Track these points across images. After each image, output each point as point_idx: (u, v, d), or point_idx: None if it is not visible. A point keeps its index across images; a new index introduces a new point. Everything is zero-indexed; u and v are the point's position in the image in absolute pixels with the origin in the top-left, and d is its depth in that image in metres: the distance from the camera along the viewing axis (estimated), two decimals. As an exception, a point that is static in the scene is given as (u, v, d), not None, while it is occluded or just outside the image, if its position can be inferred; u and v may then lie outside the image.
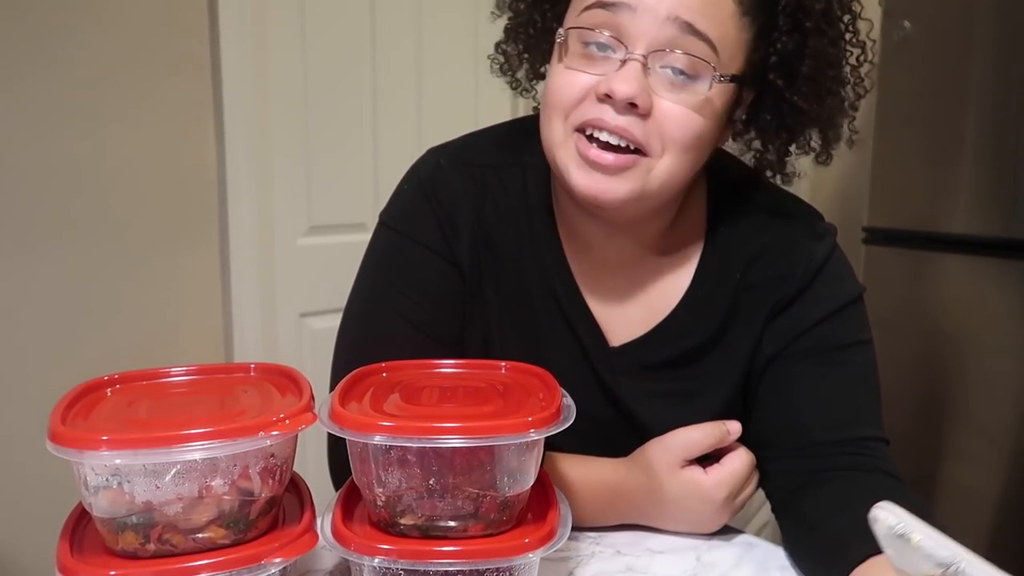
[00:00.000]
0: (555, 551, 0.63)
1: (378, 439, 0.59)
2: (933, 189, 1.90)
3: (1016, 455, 1.81)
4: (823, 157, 0.81)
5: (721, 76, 0.72)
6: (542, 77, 0.85)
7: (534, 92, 0.89)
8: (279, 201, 1.78)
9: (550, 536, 0.63)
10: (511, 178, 0.86)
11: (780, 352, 0.82)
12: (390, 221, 0.87)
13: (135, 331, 1.60)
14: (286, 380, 0.69)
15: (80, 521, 0.63)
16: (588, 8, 0.73)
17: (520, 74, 0.87)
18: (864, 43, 0.79)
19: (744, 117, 0.81)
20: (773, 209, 0.85)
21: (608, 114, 0.71)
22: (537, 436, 0.61)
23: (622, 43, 0.71)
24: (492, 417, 0.63)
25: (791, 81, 0.76)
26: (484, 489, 0.63)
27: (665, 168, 0.73)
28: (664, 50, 0.71)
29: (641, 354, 0.85)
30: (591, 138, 0.73)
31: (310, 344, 1.85)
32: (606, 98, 0.71)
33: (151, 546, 0.58)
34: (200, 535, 0.59)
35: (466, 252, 0.84)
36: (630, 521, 0.83)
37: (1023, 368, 1.79)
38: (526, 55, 0.84)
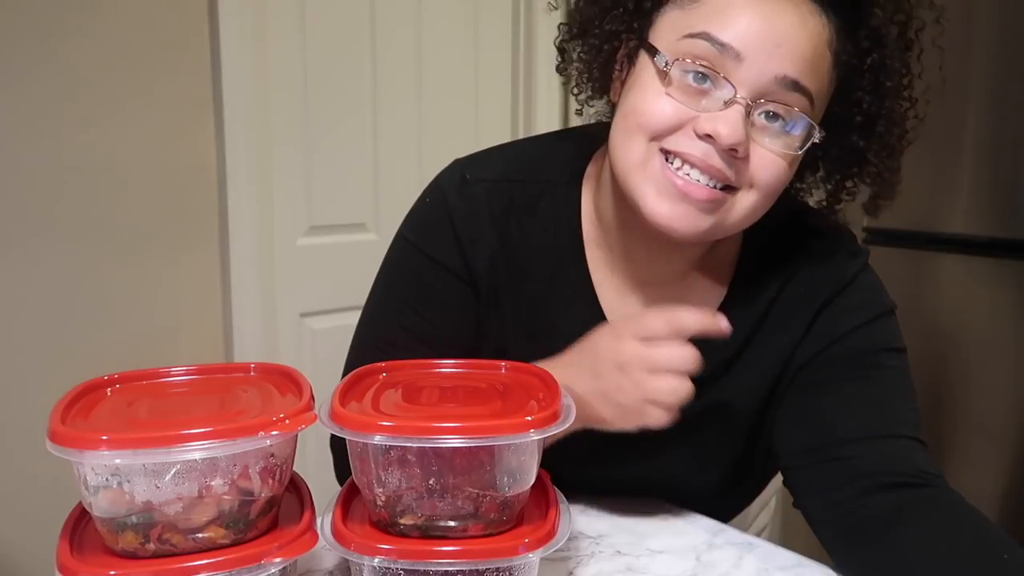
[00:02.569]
0: (555, 551, 0.63)
1: (378, 439, 0.59)
2: (933, 189, 1.90)
3: (1016, 455, 1.81)
4: (871, 208, 0.81)
5: (819, 136, 0.72)
6: (601, 93, 0.82)
7: (589, 101, 0.84)
8: (279, 201, 1.79)
9: (550, 536, 0.63)
10: (537, 195, 0.85)
11: (809, 361, 0.82)
12: (409, 234, 0.86)
13: (135, 331, 1.60)
14: (286, 380, 0.68)
15: (80, 521, 0.63)
16: (692, 36, 0.71)
17: (585, 85, 0.82)
18: (916, 99, 0.79)
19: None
20: (809, 230, 0.85)
21: (704, 151, 0.70)
22: (537, 436, 0.61)
23: (729, 82, 0.70)
24: (492, 417, 0.63)
25: (868, 140, 0.77)
26: (484, 489, 0.63)
27: (747, 206, 0.74)
28: (767, 101, 0.70)
29: None
30: (670, 158, 0.72)
31: (310, 344, 1.85)
32: (707, 138, 0.70)
33: (151, 546, 0.58)
34: (200, 535, 0.59)
35: (484, 268, 0.83)
36: (580, 423, 0.73)
37: (1023, 368, 1.79)
38: (595, 66, 0.80)
